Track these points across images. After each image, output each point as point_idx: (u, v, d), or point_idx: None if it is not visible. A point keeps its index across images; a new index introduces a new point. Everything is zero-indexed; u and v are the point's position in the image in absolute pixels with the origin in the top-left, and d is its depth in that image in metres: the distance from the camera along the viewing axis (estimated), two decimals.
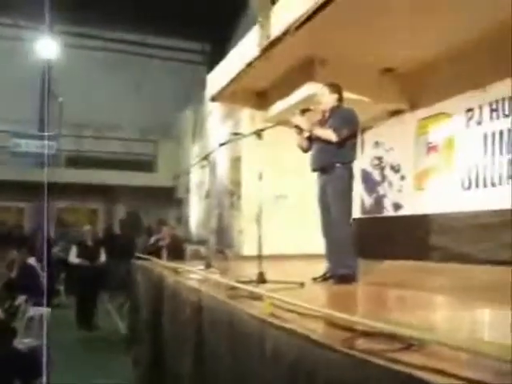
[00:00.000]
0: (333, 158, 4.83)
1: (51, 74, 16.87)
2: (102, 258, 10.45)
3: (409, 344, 2.03)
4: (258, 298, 3.40)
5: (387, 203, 8.74)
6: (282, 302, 2.97)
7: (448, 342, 1.86)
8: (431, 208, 7.66)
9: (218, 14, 15.96)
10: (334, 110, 5.05)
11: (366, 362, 1.89)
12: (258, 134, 4.68)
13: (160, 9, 15.63)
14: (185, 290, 4.83)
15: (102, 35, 18.44)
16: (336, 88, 5.13)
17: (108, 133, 18.85)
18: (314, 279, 4.87)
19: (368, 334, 2.24)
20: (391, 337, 2.10)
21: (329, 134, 4.80)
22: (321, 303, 3.49)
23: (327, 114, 5.08)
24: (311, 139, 5.07)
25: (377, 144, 9.01)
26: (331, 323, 2.57)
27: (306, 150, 5.20)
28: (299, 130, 5.08)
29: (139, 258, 8.60)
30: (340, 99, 5.12)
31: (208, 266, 6.14)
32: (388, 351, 1.96)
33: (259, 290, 3.49)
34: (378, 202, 8.95)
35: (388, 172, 8.77)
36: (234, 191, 11.06)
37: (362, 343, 2.14)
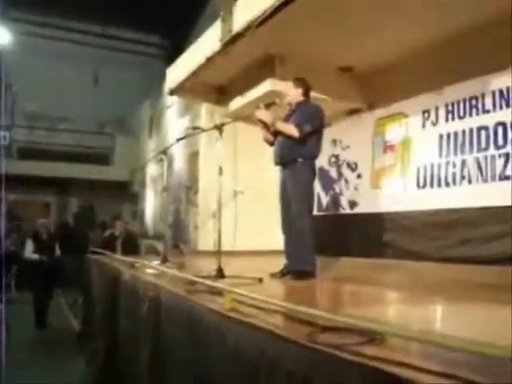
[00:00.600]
0: (295, 154, 4.83)
1: (5, 62, 16.41)
2: (57, 252, 10.18)
3: (371, 338, 2.05)
4: (217, 293, 3.38)
5: (343, 201, 8.82)
6: (243, 296, 2.96)
7: (408, 334, 1.89)
8: (387, 206, 7.75)
9: (180, 8, 15.82)
10: (300, 105, 5.06)
11: (331, 355, 1.90)
12: (219, 128, 4.65)
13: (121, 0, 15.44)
14: (142, 284, 4.77)
15: (60, 24, 17.99)
16: (301, 82, 5.15)
17: (63, 125, 18.48)
18: (273, 275, 4.86)
19: (329, 329, 2.25)
20: (351, 331, 2.12)
21: (291, 129, 4.80)
22: (280, 298, 3.48)
23: (293, 109, 5.09)
24: (276, 134, 5.06)
25: (334, 142, 9.07)
26: (292, 318, 2.57)
27: (272, 144, 5.18)
28: (263, 124, 5.06)
29: (93, 253, 8.47)
30: (306, 94, 5.13)
31: (164, 260, 6.09)
32: (352, 345, 1.98)
33: (219, 284, 3.47)
34: (335, 200, 9.02)
35: (345, 170, 8.85)
36: (190, 186, 11.00)
37: (325, 337, 2.15)
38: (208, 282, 3.66)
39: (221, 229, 4.65)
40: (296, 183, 4.81)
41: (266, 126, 5.06)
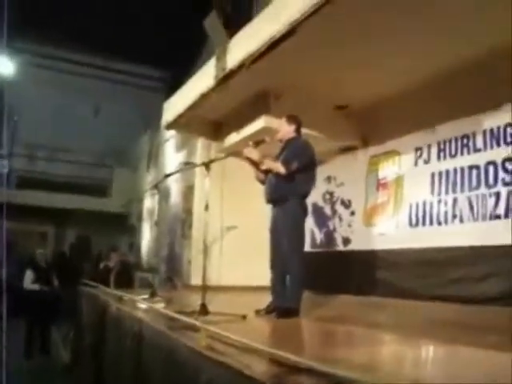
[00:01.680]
0: (285, 191, 4.86)
1: (7, 92, 16.59)
2: (55, 282, 10.13)
3: (338, 382, 2.04)
4: (197, 329, 3.38)
5: (337, 238, 8.82)
6: (218, 334, 2.95)
7: (370, 381, 1.88)
8: (379, 244, 7.76)
9: (181, 43, 16.05)
10: (290, 142, 5.11)
11: None
12: (206, 165, 4.69)
13: (123, 34, 15.67)
14: (127, 318, 4.76)
15: (62, 56, 18.30)
16: (294, 119, 5.21)
17: (63, 155, 18.58)
18: (257, 312, 4.85)
19: (300, 370, 2.25)
20: (322, 374, 2.11)
21: (277, 167, 4.84)
22: (259, 337, 3.47)
23: (283, 146, 5.14)
24: (266, 172, 5.09)
25: (329, 179, 9.12)
26: (264, 358, 2.57)
27: (263, 182, 5.20)
28: (252, 162, 5.10)
29: (86, 285, 8.44)
30: (297, 131, 5.19)
31: (153, 294, 6.08)
32: None
33: (195, 321, 3.47)
34: (329, 237, 9.02)
35: (339, 207, 8.88)
36: (185, 219, 11.01)
37: (291, 379, 2.14)
38: (184, 318, 3.66)
39: (206, 264, 4.66)
40: (287, 221, 4.83)
41: (254, 164, 5.09)
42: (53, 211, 17.73)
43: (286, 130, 5.16)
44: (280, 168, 4.81)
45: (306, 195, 5.00)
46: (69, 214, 18.29)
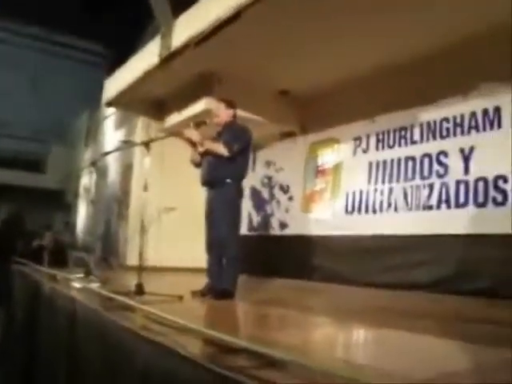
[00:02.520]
0: (223, 174, 4.89)
1: None
2: None
3: (271, 363, 2.09)
4: (133, 309, 3.37)
5: (274, 222, 8.92)
6: (154, 315, 2.96)
7: (302, 361, 1.94)
8: (315, 230, 7.89)
9: (125, 20, 15.73)
10: (228, 126, 5.13)
11: (228, 377, 1.93)
12: (146, 144, 4.65)
13: (66, 7, 15.22)
14: (60, 298, 4.69)
15: None
16: (232, 104, 5.22)
17: None
18: (194, 293, 4.88)
19: (234, 351, 2.28)
20: (256, 355, 2.16)
21: (220, 148, 4.86)
22: (194, 318, 3.49)
23: (221, 129, 5.15)
24: (203, 154, 5.09)
25: (268, 163, 9.20)
26: (200, 339, 2.60)
27: (198, 165, 5.20)
28: (191, 143, 5.09)
29: (18, 263, 8.24)
30: (234, 115, 5.21)
31: (88, 273, 6.00)
32: (250, 368, 2.02)
33: (131, 301, 3.45)
34: (265, 220, 9.12)
35: (277, 191, 8.97)
36: (122, 199, 10.87)
37: (226, 359, 2.18)
38: (121, 298, 3.64)
39: (142, 245, 4.64)
40: (224, 204, 4.86)
41: (193, 145, 5.09)
42: None
43: (224, 114, 5.17)
44: (222, 149, 4.83)
45: (242, 178, 5.06)
46: (2, 189, 17.73)
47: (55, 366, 4.44)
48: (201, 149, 5.04)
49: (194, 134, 4.99)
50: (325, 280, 7.30)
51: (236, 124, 5.19)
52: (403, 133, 6.85)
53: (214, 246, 4.94)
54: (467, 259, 5.67)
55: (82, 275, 6.10)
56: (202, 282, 5.03)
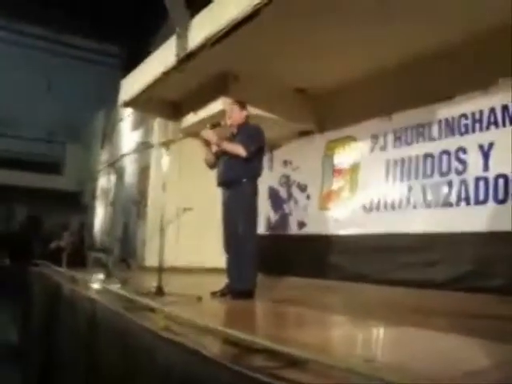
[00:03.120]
0: (239, 173, 4.95)
1: None
2: (6, 261, 9.94)
3: (294, 362, 2.11)
4: (153, 310, 3.41)
5: (292, 221, 8.94)
6: (174, 315, 2.99)
7: (325, 361, 1.96)
8: (334, 228, 7.90)
9: (140, 19, 15.78)
10: (242, 127, 5.18)
11: (251, 378, 1.96)
12: (166, 145, 4.70)
13: (80, 6, 15.32)
14: (80, 299, 4.75)
15: (14, 28, 17.74)
16: (245, 105, 5.29)
17: (13, 131, 18.11)
18: (213, 293, 4.92)
19: (254, 351, 2.31)
20: (275, 354, 2.18)
21: (238, 149, 4.92)
22: (214, 318, 3.53)
23: (235, 131, 5.20)
24: (218, 155, 5.15)
25: (285, 162, 9.21)
26: (221, 339, 2.63)
27: (212, 166, 5.28)
28: (207, 144, 5.14)
29: (36, 264, 8.33)
30: (247, 116, 5.27)
31: (108, 275, 6.07)
32: (273, 368, 2.04)
33: (153, 302, 3.50)
34: (283, 220, 9.14)
35: (294, 190, 8.99)
36: (140, 200, 10.94)
37: (248, 359, 2.21)
38: (141, 299, 3.69)
39: (163, 245, 4.68)
40: (241, 203, 4.91)
41: (209, 146, 5.15)
42: (2, 188, 17.31)
43: (238, 115, 5.22)
44: (241, 150, 4.89)
45: (258, 177, 5.13)
46: (19, 191, 17.87)
47: (74, 367, 4.49)
48: (216, 149, 5.10)
49: (210, 134, 5.04)
50: (342, 278, 7.29)
51: (249, 125, 5.25)
52: (421, 130, 6.82)
53: (232, 245, 4.99)
54: (487, 257, 5.64)
55: (101, 276, 6.18)
56: (221, 282, 5.07)
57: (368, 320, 3.93)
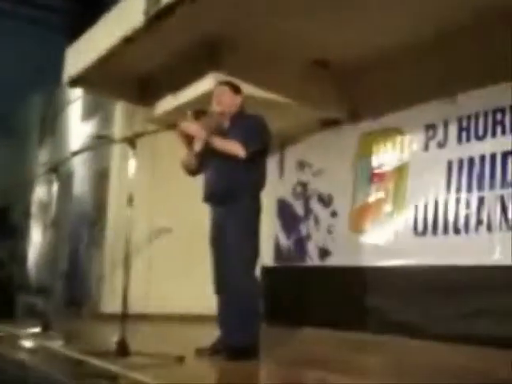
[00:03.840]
0: (235, 183, 4.89)
1: None
2: None
3: None
4: (113, 378, 3.39)
5: (311, 248, 8.93)
6: None
7: None
8: (371, 259, 7.88)
9: None
10: (236, 118, 5.14)
11: None
12: (131, 141, 4.68)
13: None
14: (5, 365, 4.71)
15: None
16: (239, 89, 5.29)
17: None
18: (199, 351, 4.89)
19: None
20: None
21: (233, 147, 4.85)
22: None
23: (226, 123, 5.16)
24: (202, 157, 5.10)
25: (301, 165, 9.21)
26: None
27: (193, 172, 5.22)
28: (188, 141, 5.10)
29: None
30: (243, 105, 5.25)
31: (46, 327, 6.04)
32: None
33: (112, 366, 3.47)
34: (299, 246, 9.13)
35: (315, 205, 8.98)
36: (96, 220, 10.94)
37: None
38: (95, 361, 3.66)
39: (127, 283, 4.66)
40: (237, 225, 4.86)
41: (191, 143, 5.11)
42: None
43: (230, 100, 5.19)
44: (238, 149, 4.83)
45: (261, 189, 5.10)
46: None
47: None
48: (199, 148, 5.05)
49: (194, 128, 4.99)
50: (383, 331, 7.26)
51: (248, 115, 5.23)
52: (499, 117, 6.81)
53: (226, 284, 4.95)
54: None
55: (35, 329, 6.15)
56: (210, 335, 5.04)
57: None
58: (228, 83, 5.33)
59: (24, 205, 16.62)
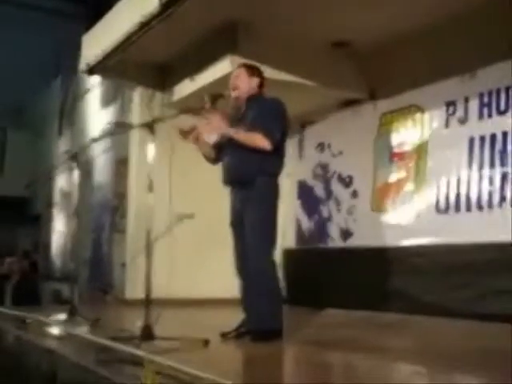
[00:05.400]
0: (253, 167, 4.87)
1: None
2: None
3: None
4: (140, 362, 3.39)
5: (333, 229, 8.92)
6: (172, 369, 2.97)
7: None
8: (393, 238, 7.86)
9: None
10: (253, 101, 5.10)
11: None
12: (150, 126, 4.68)
13: None
14: (33, 352, 4.73)
15: None
16: (257, 71, 5.24)
17: None
18: (224, 335, 4.90)
19: None
20: None
21: (258, 140, 4.81)
22: (228, 371, 3.49)
23: (243, 107, 5.14)
24: (219, 146, 5.10)
25: (321, 146, 9.19)
26: None
27: (215, 161, 5.24)
28: (185, 135, 5.09)
29: None
30: (261, 85, 5.20)
31: (73, 313, 6.06)
32: None
33: (138, 351, 3.47)
34: (320, 228, 9.12)
35: (335, 186, 8.97)
36: (117, 207, 10.97)
37: None
38: (120, 347, 3.66)
39: (150, 269, 4.66)
40: (254, 207, 4.87)
41: (187, 138, 5.10)
42: None
43: (246, 83, 5.15)
44: (263, 142, 4.80)
45: (279, 171, 5.10)
46: None
47: None
48: (215, 140, 5.04)
49: (215, 120, 4.96)
50: (406, 310, 7.24)
51: (265, 98, 5.20)
52: None
53: (247, 267, 4.94)
54: None
55: (62, 316, 6.17)
56: (235, 318, 5.04)
57: (455, 373, 3.82)
58: (244, 65, 5.29)
59: (46, 194, 16.69)
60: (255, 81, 5.16)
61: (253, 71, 5.20)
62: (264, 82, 5.24)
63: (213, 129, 5.01)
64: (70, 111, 15.47)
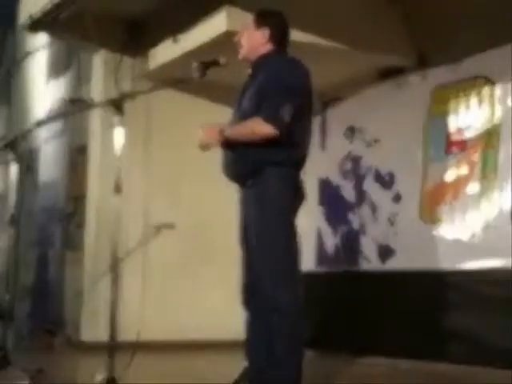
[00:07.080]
0: (255, 160, 4.79)
1: None
2: None
3: None
4: None
5: (367, 246, 8.93)
6: None
7: None
8: (451, 258, 7.84)
9: None
10: (263, 63, 4.99)
11: None
12: (117, 104, 4.70)
13: None
14: None
15: None
16: (271, 19, 5.10)
17: None
18: None
19: None
20: None
21: (258, 127, 4.70)
22: None
23: (250, 71, 5.09)
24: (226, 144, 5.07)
25: (351, 131, 9.20)
26: None
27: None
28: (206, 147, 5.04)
29: None
30: (279, 41, 5.07)
31: (5, 364, 6.10)
32: None
33: None
34: (350, 243, 9.13)
35: (370, 186, 8.98)
36: (72, 213, 11.01)
37: None
38: None
39: (116, 301, 4.68)
40: (262, 209, 4.80)
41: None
42: None
43: (255, 39, 5.05)
44: (266, 128, 4.67)
45: (292, 160, 4.96)
46: None
47: None
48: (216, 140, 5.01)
49: (208, 136, 4.90)
50: (468, 360, 7.21)
51: (280, 57, 5.07)
52: None
53: (253, 292, 4.93)
54: None
55: None
56: (234, 367, 5.05)
57: None
58: (256, 13, 5.12)
59: None
60: (266, 33, 5.00)
61: (264, 19, 5.06)
62: (286, 35, 5.11)
63: (206, 143, 4.96)
64: (4, 83, 15.55)
